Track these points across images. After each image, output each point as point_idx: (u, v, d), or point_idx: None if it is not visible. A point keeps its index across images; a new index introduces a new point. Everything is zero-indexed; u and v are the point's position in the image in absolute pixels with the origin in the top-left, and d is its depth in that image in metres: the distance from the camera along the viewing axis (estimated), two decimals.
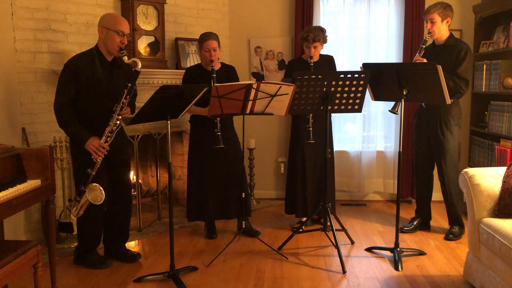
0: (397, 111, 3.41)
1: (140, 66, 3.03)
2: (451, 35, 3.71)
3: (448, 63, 3.53)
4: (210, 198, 3.74)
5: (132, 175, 4.07)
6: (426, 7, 4.54)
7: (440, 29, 3.64)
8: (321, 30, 3.78)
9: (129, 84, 3.01)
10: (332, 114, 3.98)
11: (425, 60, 3.47)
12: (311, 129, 3.65)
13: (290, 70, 3.92)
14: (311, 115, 3.65)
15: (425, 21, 3.68)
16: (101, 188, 2.93)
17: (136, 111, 2.92)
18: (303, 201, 3.94)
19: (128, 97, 3.03)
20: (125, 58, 3.03)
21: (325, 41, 3.82)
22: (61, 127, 3.08)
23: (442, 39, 3.69)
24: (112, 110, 3.02)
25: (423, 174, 3.90)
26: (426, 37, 3.59)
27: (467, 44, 3.68)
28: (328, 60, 3.96)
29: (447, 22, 3.64)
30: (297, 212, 3.99)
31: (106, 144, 3.02)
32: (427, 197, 3.94)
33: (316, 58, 3.84)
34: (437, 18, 3.60)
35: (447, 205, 3.79)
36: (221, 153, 3.62)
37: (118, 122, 3.06)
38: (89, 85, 3.03)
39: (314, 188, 3.95)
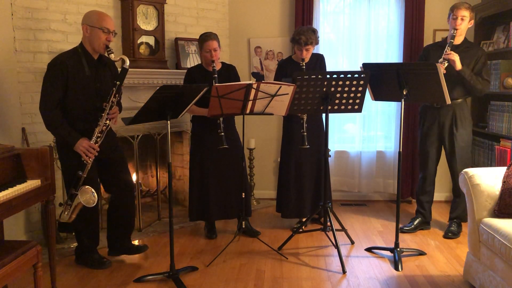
0: None
1: (128, 64, 2.98)
2: (465, 37, 3.70)
3: (468, 64, 3.54)
4: (212, 198, 3.73)
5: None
6: (426, 7, 4.56)
7: (466, 28, 3.58)
8: (313, 32, 3.68)
9: (117, 82, 2.95)
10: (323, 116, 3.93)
11: (456, 55, 3.44)
12: (305, 134, 3.59)
13: (281, 71, 3.85)
14: (305, 119, 3.62)
15: (451, 17, 3.56)
16: (93, 190, 2.89)
17: (136, 111, 2.92)
18: (295, 202, 3.90)
19: (117, 95, 2.99)
20: (112, 56, 2.98)
21: (317, 43, 3.74)
22: (49, 129, 3.00)
23: (461, 39, 3.64)
24: (101, 109, 2.96)
25: (432, 175, 3.88)
26: (453, 33, 3.51)
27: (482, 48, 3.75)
28: (319, 59, 3.88)
29: (471, 23, 3.60)
30: (285, 213, 3.95)
31: (96, 145, 2.96)
32: (431, 197, 3.93)
33: (307, 60, 3.74)
34: (468, 16, 3.52)
35: (455, 203, 3.80)
36: (223, 153, 3.61)
37: (108, 122, 3.01)
38: (77, 84, 2.96)
39: (305, 190, 3.89)
